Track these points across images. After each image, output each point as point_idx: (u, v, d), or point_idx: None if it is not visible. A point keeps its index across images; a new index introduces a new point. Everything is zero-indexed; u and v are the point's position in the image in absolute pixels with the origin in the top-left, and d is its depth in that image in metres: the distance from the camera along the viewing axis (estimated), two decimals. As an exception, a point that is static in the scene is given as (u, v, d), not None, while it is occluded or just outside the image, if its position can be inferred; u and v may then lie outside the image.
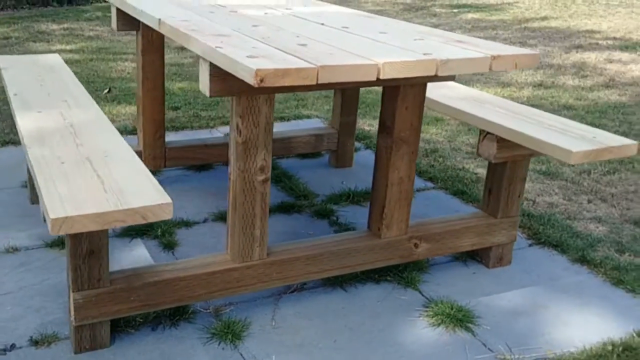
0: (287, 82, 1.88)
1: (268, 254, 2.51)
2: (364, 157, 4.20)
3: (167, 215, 1.88)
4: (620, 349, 2.33)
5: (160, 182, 3.65)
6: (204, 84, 2.22)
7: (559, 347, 2.39)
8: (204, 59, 2.19)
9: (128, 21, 3.44)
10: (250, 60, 1.91)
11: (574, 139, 2.46)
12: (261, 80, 1.84)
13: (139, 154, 3.58)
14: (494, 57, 2.15)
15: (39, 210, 3.29)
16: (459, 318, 2.50)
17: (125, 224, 1.84)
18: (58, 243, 2.99)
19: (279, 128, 4.56)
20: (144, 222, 1.86)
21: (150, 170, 3.25)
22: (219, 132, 4.56)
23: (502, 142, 2.65)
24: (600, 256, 2.98)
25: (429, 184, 3.78)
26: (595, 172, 3.99)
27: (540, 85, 6.20)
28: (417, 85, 2.50)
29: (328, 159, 4.11)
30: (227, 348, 2.35)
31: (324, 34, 2.42)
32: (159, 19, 2.60)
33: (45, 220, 2.05)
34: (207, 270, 2.40)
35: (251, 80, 1.84)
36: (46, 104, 2.81)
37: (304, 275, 2.57)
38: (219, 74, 2.19)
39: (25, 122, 2.56)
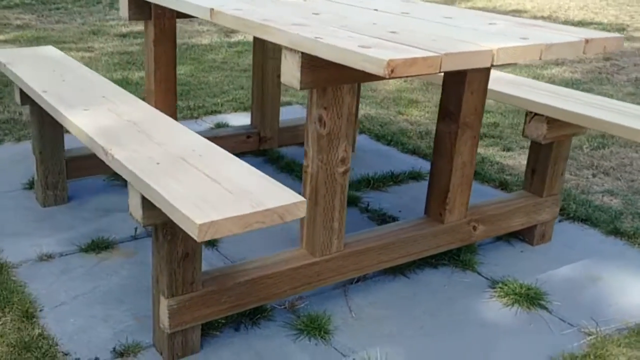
0: (413, 72, 1.86)
1: (344, 246, 2.49)
2: (361, 143, 4.20)
3: (302, 213, 1.83)
4: (693, 314, 2.49)
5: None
6: (293, 76, 2.15)
7: (631, 315, 2.51)
8: (292, 50, 2.12)
9: (140, 9, 3.29)
10: (373, 50, 1.87)
11: (630, 117, 2.57)
12: (392, 71, 1.81)
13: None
14: (587, 41, 2.21)
15: (55, 213, 3.10)
16: (531, 296, 2.57)
17: (265, 225, 1.77)
18: (93, 247, 2.84)
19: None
20: (280, 222, 1.80)
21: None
22: (206, 123, 4.43)
23: (552, 123, 2.73)
24: (631, 227, 3.14)
25: (438, 166, 3.83)
26: (586, 148, 4.19)
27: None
28: (483, 70, 2.53)
29: (329, 146, 4.09)
30: (320, 343, 2.31)
31: (398, 21, 2.39)
32: (212, 9, 2.50)
33: (140, 224, 1.96)
34: (290, 266, 2.35)
35: (381, 71, 1.80)
36: (86, 100, 2.64)
37: (377, 264, 2.56)
38: (310, 66, 2.13)
39: (80, 121, 2.39)
